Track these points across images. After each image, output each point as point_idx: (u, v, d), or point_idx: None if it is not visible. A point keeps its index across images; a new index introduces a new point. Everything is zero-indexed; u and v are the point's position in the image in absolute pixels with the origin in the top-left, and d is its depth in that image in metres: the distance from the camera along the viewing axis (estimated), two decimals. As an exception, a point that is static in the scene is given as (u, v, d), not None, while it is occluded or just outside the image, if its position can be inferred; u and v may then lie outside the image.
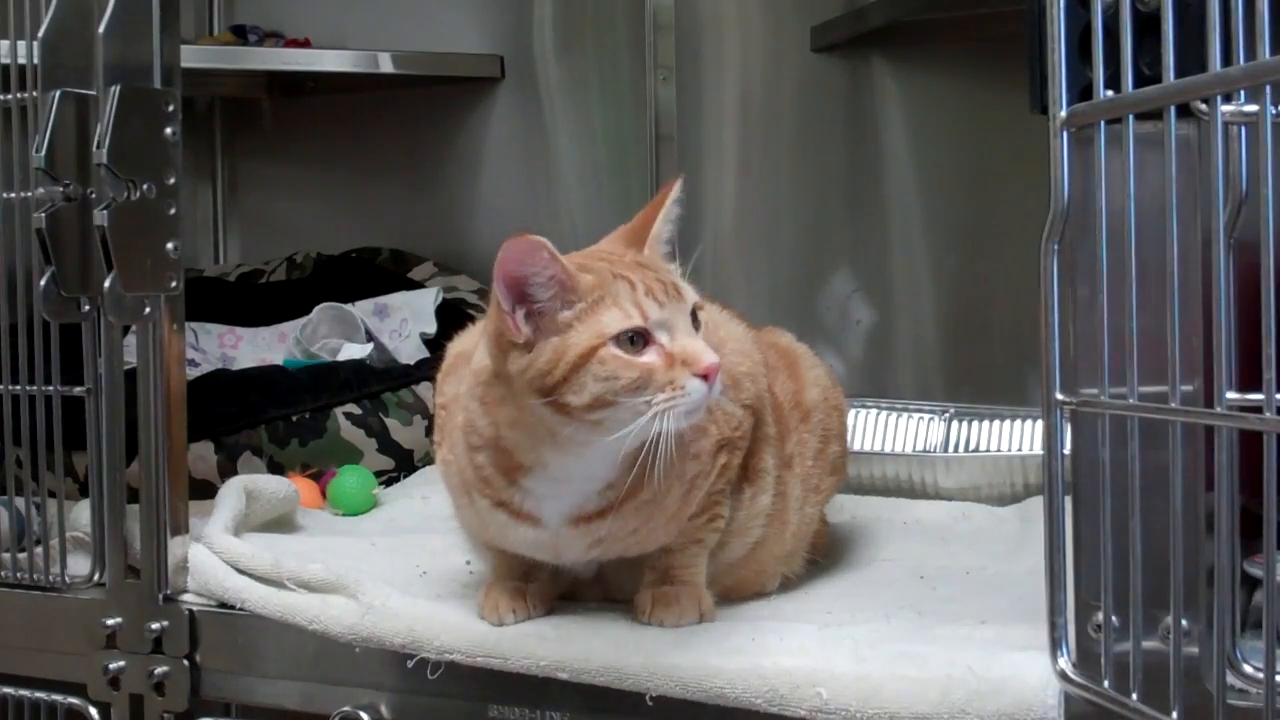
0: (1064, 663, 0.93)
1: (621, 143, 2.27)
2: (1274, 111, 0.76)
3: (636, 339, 0.99)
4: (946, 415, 1.83)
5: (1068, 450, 0.93)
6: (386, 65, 2.26)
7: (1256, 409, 0.77)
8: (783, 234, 2.20)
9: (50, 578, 1.36)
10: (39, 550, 1.38)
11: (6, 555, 1.39)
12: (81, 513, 1.39)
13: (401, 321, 2.11)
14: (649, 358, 0.99)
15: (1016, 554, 1.39)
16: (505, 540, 1.13)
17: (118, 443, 1.32)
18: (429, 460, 1.83)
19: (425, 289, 2.18)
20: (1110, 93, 0.87)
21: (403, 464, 1.83)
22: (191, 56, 1.77)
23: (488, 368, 1.05)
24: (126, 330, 1.33)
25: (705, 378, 0.99)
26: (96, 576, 1.34)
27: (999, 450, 1.75)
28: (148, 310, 1.29)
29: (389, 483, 1.79)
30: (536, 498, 1.07)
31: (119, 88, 1.24)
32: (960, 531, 1.54)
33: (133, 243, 1.25)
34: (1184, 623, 0.87)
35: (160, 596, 1.31)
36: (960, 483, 1.65)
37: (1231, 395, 0.79)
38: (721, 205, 2.22)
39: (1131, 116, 0.85)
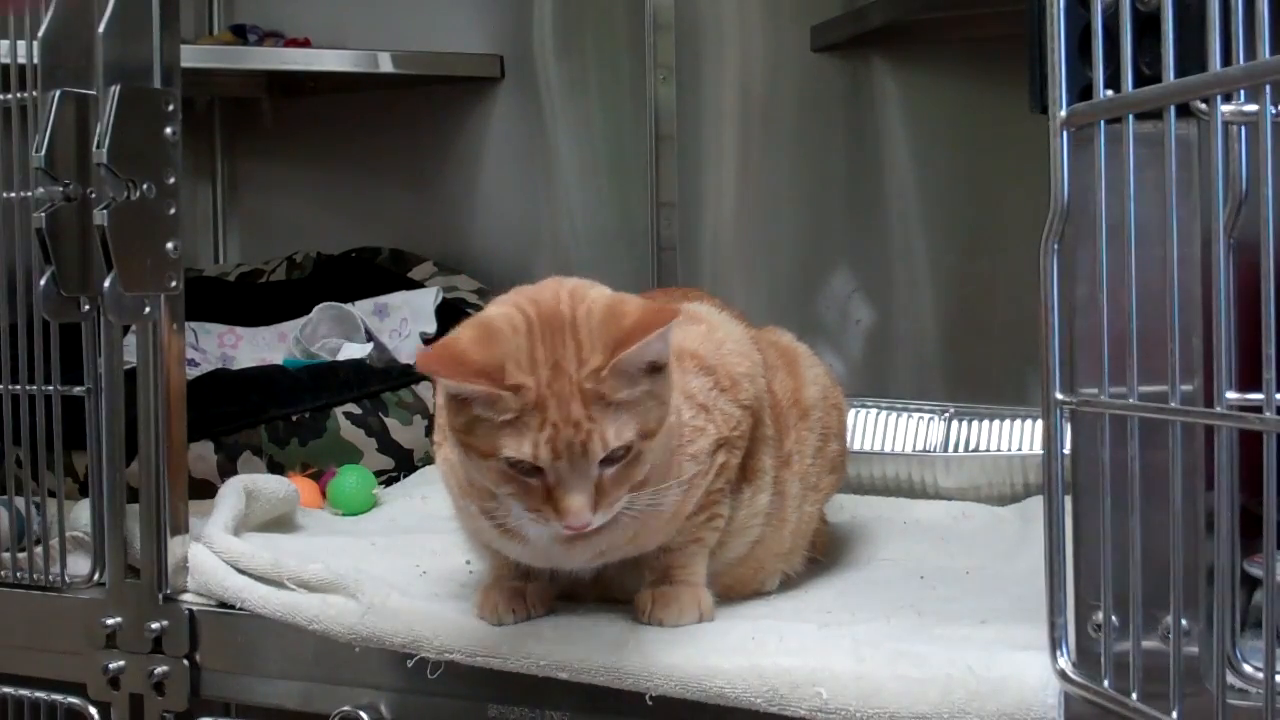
0: (1064, 662, 0.93)
1: (621, 143, 2.27)
2: (1274, 111, 0.76)
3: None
4: (946, 415, 1.83)
5: (1068, 450, 0.93)
6: (386, 65, 2.26)
7: (1256, 409, 0.77)
8: (783, 234, 2.20)
9: (50, 577, 1.36)
10: (39, 550, 1.38)
11: (6, 555, 1.39)
12: (81, 512, 1.39)
13: (401, 321, 2.11)
14: (532, 481, 1.00)
15: (1016, 554, 1.39)
16: (500, 547, 1.13)
17: (118, 442, 1.32)
18: (429, 460, 1.83)
19: (425, 289, 2.18)
20: (1110, 92, 0.87)
21: (403, 464, 1.82)
22: (191, 56, 1.77)
23: None
24: (126, 330, 1.33)
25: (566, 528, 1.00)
26: (96, 576, 1.34)
27: (999, 450, 1.74)
28: (148, 310, 1.29)
29: (389, 483, 1.79)
30: (516, 514, 1.06)
31: (119, 88, 1.24)
32: (960, 531, 1.54)
33: (133, 243, 1.25)
34: (1184, 622, 0.87)
35: (160, 596, 1.31)
36: (960, 482, 1.65)
37: (1231, 395, 0.79)
38: (721, 205, 2.22)
39: (1131, 116, 0.85)
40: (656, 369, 1.02)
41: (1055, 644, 0.93)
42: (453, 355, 1.00)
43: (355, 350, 1.97)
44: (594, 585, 1.19)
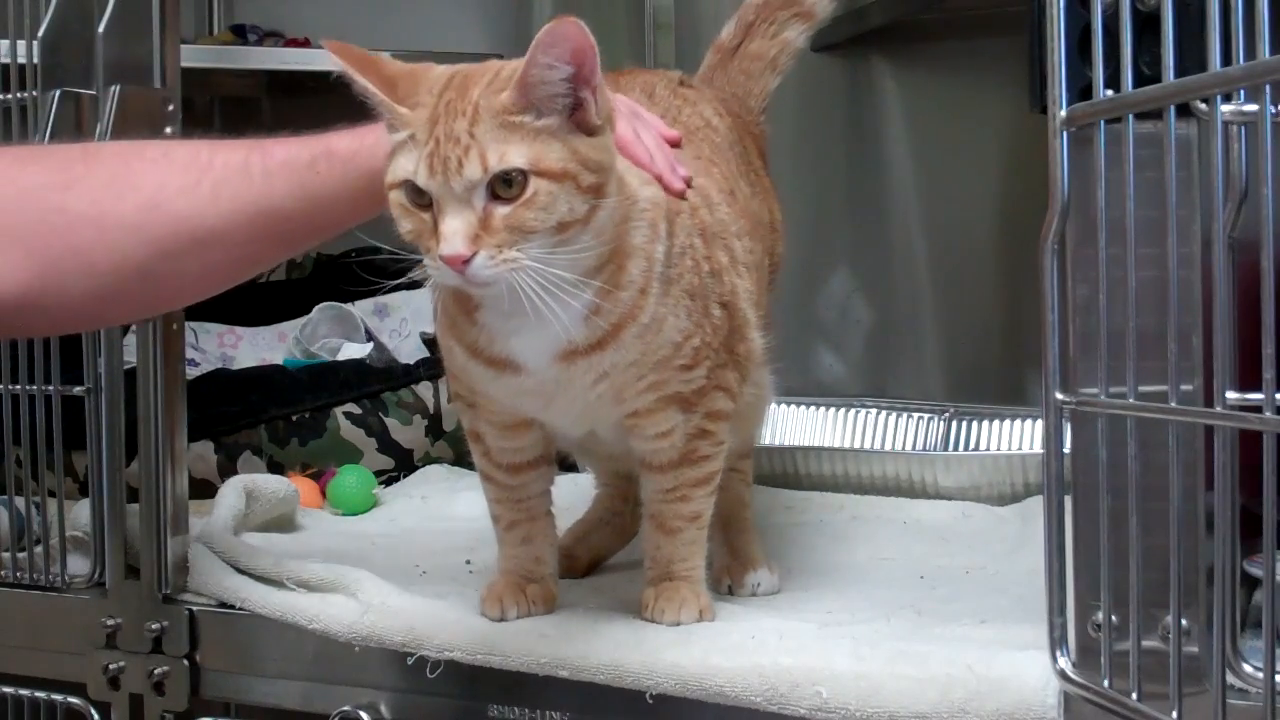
0: (1064, 662, 0.93)
1: (621, 142, 2.26)
2: (1274, 111, 0.76)
3: (424, 194, 0.97)
4: (946, 415, 1.83)
5: (1068, 450, 0.93)
6: (387, 65, 2.25)
7: (1256, 409, 0.77)
8: (783, 234, 2.20)
9: (50, 577, 1.36)
10: (39, 550, 1.38)
11: (6, 555, 1.39)
12: (81, 512, 1.39)
13: (401, 321, 2.11)
14: (424, 215, 0.97)
15: (1016, 554, 1.39)
16: (492, 390, 1.09)
17: (118, 442, 1.32)
18: (429, 460, 1.84)
19: (425, 288, 2.18)
20: (1110, 92, 0.87)
21: (403, 464, 1.82)
22: (191, 56, 1.77)
23: None
24: (126, 330, 1.33)
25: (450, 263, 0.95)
26: (96, 576, 1.34)
27: (999, 450, 1.74)
28: (148, 310, 1.29)
29: (389, 482, 1.79)
30: (502, 336, 1.03)
31: (119, 88, 1.24)
32: (960, 531, 1.54)
33: (133, 242, 1.25)
34: (1184, 622, 0.87)
35: (160, 596, 1.31)
36: (960, 482, 1.65)
37: (1231, 395, 0.79)
38: (721, 205, 2.22)
39: (1131, 116, 0.85)
40: (579, 106, 0.96)
41: (1055, 644, 0.93)
42: (368, 57, 1.00)
43: (355, 350, 1.97)
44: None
